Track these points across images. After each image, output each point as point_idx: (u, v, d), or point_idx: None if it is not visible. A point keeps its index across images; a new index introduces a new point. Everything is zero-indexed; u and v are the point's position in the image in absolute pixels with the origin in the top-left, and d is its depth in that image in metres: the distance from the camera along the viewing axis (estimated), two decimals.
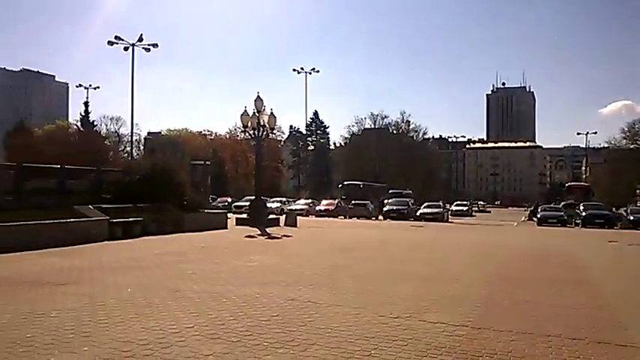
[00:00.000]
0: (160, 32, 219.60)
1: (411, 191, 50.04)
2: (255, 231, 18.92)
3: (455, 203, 54.72)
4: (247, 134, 24.91)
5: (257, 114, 22.58)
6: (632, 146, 66.43)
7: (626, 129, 67.51)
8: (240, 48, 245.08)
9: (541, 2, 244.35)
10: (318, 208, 39.63)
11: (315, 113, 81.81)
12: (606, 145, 73.12)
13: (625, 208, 36.66)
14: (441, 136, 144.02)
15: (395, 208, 37.22)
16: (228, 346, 4.66)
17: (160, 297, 6.76)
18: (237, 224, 21.77)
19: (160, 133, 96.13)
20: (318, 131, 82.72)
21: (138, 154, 73.64)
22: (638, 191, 60.94)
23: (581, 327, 5.66)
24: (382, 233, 21.45)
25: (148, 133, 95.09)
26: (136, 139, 70.01)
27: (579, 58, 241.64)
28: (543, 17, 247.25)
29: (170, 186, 19.03)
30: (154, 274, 8.80)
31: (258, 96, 22.67)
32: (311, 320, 5.69)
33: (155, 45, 44.77)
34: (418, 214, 35.81)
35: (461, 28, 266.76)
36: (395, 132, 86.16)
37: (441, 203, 40.77)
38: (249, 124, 22.80)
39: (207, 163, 30.34)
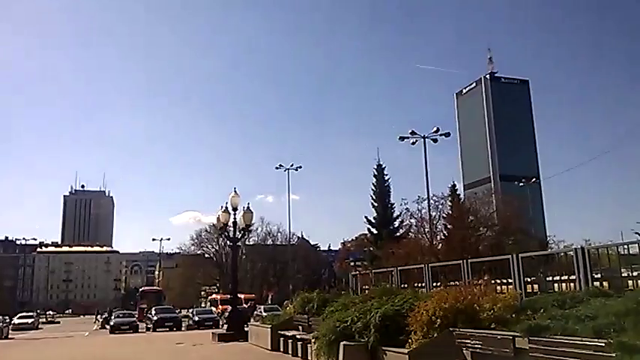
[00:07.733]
0: None
1: None
2: None
3: (18, 316, 48.01)
4: None
5: None
6: (199, 252, 74.28)
7: (195, 236, 75.45)
8: None
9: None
10: None
11: None
12: (178, 251, 79.30)
13: (192, 309, 40.02)
14: (7, 237, 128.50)
15: None
16: None
17: None
18: None
19: None
20: None
21: None
22: (203, 293, 67.86)
23: None
24: None
25: None
26: None
27: (154, 167, 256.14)
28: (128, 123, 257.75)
29: None
30: None
31: None
32: None
33: None
34: None
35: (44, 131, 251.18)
36: None
37: None
38: None
39: None
